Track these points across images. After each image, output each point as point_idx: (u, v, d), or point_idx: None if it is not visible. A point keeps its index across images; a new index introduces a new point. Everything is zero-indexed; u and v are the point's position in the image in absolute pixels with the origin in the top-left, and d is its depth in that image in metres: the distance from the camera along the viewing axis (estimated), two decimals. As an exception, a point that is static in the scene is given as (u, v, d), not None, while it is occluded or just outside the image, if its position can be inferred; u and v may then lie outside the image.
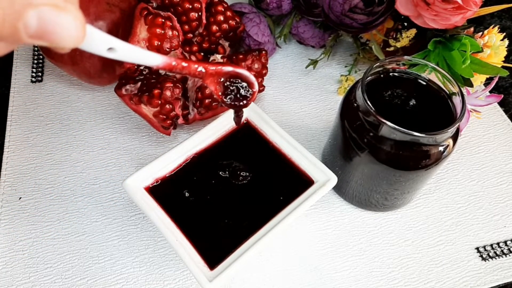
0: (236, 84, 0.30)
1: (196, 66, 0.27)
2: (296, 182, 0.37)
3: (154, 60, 0.25)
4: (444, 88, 0.38)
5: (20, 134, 0.48)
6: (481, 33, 0.46)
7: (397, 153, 0.35)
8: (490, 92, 0.51)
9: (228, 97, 0.30)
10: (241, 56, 0.47)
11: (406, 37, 0.46)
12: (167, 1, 0.45)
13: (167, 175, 0.38)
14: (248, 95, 0.30)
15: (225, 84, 0.29)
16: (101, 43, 0.21)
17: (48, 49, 0.18)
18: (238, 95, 0.30)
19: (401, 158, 0.35)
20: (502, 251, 0.42)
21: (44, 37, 0.17)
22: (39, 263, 0.40)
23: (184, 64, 0.27)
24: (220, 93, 0.29)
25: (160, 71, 0.46)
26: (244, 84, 0.30)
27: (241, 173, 0.38)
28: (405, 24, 0.47)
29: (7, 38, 0.17)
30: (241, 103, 0.30)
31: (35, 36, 0.17)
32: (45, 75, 0.54)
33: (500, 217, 0.44)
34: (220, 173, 0.38)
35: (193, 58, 0.47)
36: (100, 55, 0.21)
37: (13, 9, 0.16)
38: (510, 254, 0.42)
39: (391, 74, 0.39)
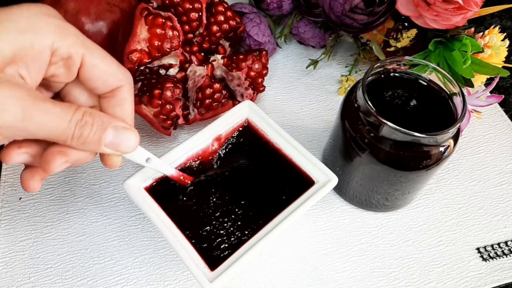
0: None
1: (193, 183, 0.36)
2: (297, 183, 0.37)
3: (172, 172, 0.35)
4: (444, 89, 0.38)
5: (20, 134, 0.48)
6: (481, 33, 0.46)
7: (398, 153, 0.35)
8: (491, 92, 0.51)
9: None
10: (241, 56, 0.47)
11: (406, 37, 0.46)
12: (167, 1, 0.45)
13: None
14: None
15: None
16: (143, 155, 0.31)
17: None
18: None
19: (401, 159, 0.35)
20: (502, 251, 0.42)
21: (113, 145, 0.26)
22: (39, 264, 0.40)
23: (187, 181, 0.36)
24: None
25: (161, 71, 0.46)
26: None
27: (242, 174, 0.38)
28: (406, 24, 0.47)
29: (92, 144, 0.25)
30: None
31: (109, 144, 0.25)
32: (45, 75, 0.54)
33: (500, 218, 0.44)
34: (221, 173, 0.38)
35: (194, 58, 0.47)
36: (140, 163, 0.31)
37: (102, 126, 0.25)
38: (511, 254, 0.42)
39: (391, 74, 0.39)
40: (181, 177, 0.36)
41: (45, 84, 0.26)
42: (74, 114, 0.24)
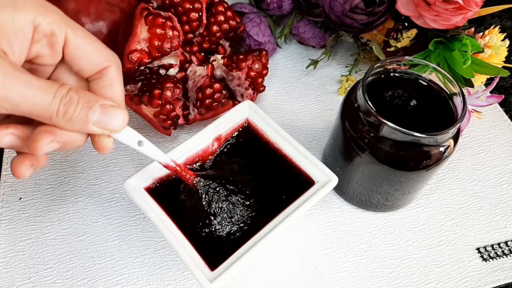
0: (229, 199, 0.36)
1: (191, 177, 0.35)
2: (297, 183, 0.37)
3: (166, 160, 0.33)
4: (445, 89, 0.38)
5: (20, 134, 0.48)
6: (481, 33, 0.46)
7: (398, 153, 0.35)
8: (491, 92, 0.51)
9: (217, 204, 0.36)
10: (241, 56, 0.47)
11: (406, 37, 0.46)
12: (167, 1, 0.45)
13: (167, 176, 0.38)
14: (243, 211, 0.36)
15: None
16: (134, 136, 0.29)
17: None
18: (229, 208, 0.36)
19: (402, 159, 0.35)
20: (502, 251, 0.42)
21: (101, 122, 0.25)
22: (39, 264, 0.40)
23: (183, 173, 0.34)
24: (193, 184, 0.35)
25: (161, 71, 0.46)
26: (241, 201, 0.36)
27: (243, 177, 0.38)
28: (406, 24, 0.47)
29: (79, 122, 0.24)
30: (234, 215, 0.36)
31: (96, 122, 0.25)
32: (45, 75, 0.54)
33: (500, 218, 0.44)
34: (221, 173, 0.38)
35: (194, 58, 0.47)
36: (132, 146, 0.30)
37: (88, 103, 0.24)
38: (511, 254, 0.42)
39: (392, 74, 0.39)
40: (178, 168, 0.34)
41: (32, 69, 0.26)
42: (59, 89, 0.23)
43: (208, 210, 0.36)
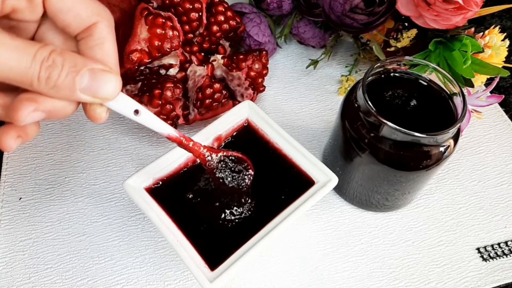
0: (233, 167, 0.34)
1: (197, 147, 0.32)
2: (297, 183, 0.37)
3: (167, 130, 0.29)
4: (445, 89, 0.38)
5: (20, 134, 0.48)
6: (482, 33, 0.46)
7: (398, 153, 0.35)
8: (491, 92, 0.51)
9: (222, 174, 0.34)
10: (241, 56, 0.47)
11: (406, 37, 0.46)
12: (167, 1, 0.45)
13: (167, 176, 0.38)
14: (246, 179, 0.35)
15: (221, 159, 0.34)
16: (130, 105, 0.26)
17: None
18: (233, 176, 0.34)
19: (402, 159, 0.35)
20: (503, 251, 0.42)
21: (90, 89, 0.22)
22: (39, 264, 0.40)
23: (191, 143, 0.31)
24: (212, 168, 0.33)
25: (161, 71, 0.46)
26: (245, 170, 0.34)
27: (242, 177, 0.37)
28: (406, 24, 0.47)
29: (65, 89, 0.22)
30: (234, 185, 0.34)
31: (84, 89, 0.22)
32: (45, 75, 0.54)
33: (500, 218, 0.44)
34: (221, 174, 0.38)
35: (194, 58, 0.47)
36: (128, 116, 0.26)
37: (75, 67, 0.22)
38: (511, 254, 0.42)
39: (392, 74, 0.39)
40: (182, 139, 0.31)
41: (12, 26, 0.24)
42: (39, 51, 0.21)
43: (208, 210, 0.36)
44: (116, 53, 0.25)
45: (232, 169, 0.34)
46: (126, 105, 0.26)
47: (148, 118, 0.28)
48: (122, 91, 0.25)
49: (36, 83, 0.21)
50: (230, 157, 0.34)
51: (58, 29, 0.24)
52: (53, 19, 0.23)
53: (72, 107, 0.23)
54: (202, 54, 0.49)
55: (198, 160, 0.39)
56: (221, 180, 0.34)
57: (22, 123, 0.22)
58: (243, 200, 0.37)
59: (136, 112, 0.27)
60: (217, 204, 0.36)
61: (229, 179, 0.34)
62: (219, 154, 0.33)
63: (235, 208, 0.36)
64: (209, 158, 0.33)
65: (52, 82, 0.21)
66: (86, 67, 0.22)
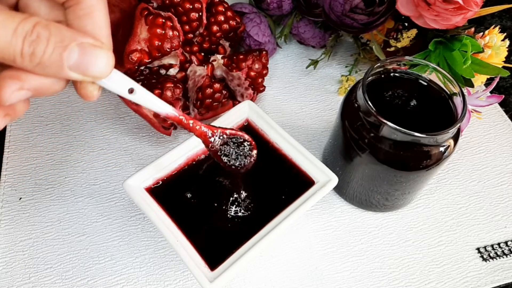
0: (235, 144, 0.32)
1: (198, 126, 0.30)
2: (297, 183, 0.37)
3: (165, 109, 0.27)
4: (445, 89, 0.38)
5: (20, 134, 0.48)
6: (481, 33, 0.46)
7: (398, 153, 0.35)
8: (491, 92, 0.51)
9: (226, 156, 0.32)
10: (241, 56, 0.47)
11: (406, 38, 0.46)
12: (167, 1, 0.45)
13: (167, 176, 0.38)
14: (247, 159, 0.33)
15: (225, 142, 0.32)
16: (124, 83, 0.24)
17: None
18: (236, 155, 0.33)
19: (402, 159, 0.35)
20: (503, 251, 0.42)
21: (80, 67, 0.20)
22: (39, 264, 0.40)
23: (191, 121, 0.29)
24: (216, 150, 0.31)
25: (161, 71, 0.46)
26: (246, 148, 0.32)
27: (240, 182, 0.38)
28: (406, 24, 0.47)
29: (51, 66, 0.20)
30: (237, 165, 0.33)
31: (73, 67, 0.20)
32: (45, 75, 0.54)
33: (500, 218, 0.44)
34: (221, 175, 0.38)
35: (194, 58, 0.47)
36: (122, 95, 0.24)
37: (62, 42, 0.19)
38: (511, 254, 0.42)
39: (392, 74, 0.39)
40: (181, 117, 0.28)
41: None
42: (21, 23, 0.19)
43: (208, 210, 0.36)
44: (108, 23, 0.22)
45: (235, 148, 0.32)
46: (120, 83, 0.24)
47: (145, 96, 0.26)
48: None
49: (19, 60, 0.19)
50: (232, 137, 0.32)
51: None
52: None
53: (61, 84, 0.22)
54: (202, 54, 0.49)
55: (197, 160, 0.39)
56: (226, 161, 0.32)
57: (7, 103, 0.20)
58: (243, 198, 0.37)
59: (131, 91, 0.25)
60: (217, 204, 0.36)
61: (233, 158, 0.32)
62: (222, 135, 0.31)
63: (235, 207, 0.36)
64: (212, 139, 0.31)
65: (37, 59, 0.19)
66: (74, 41, 0.20)
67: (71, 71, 0.20)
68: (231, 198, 0.37)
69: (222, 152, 0.32)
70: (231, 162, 0.32)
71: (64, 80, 0.21)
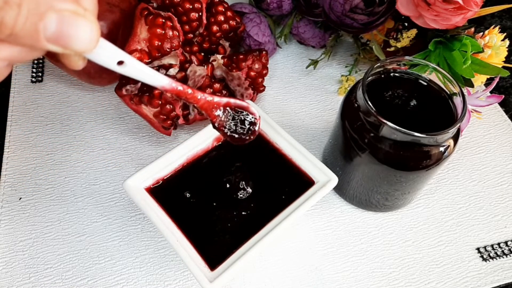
0: (238, 116, 0.30)
1: (201, 94, 0.27)
2: (297, 183, 0.37)
3: (161, 81, 0.25)
4: (444, 89, 0.38)
5: (20, 134, 0.48)
6: (481, 33, 0.46)
7: (398, 153, 0.35)
8: (491, 92, 0.51)
9: (230, 130, 0.30)
10: (241, 56, 0.47)
11: (406, 37, 0.46)
12: (167, 1, 0.45)
13: (167, 176, 0.38)
14: (249, 129, 0.30)
15: (229, 116, 0.30)
16: (111, 55, 0.21)
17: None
18: (240, 128, 0.31)
19: (401, 159, 0.35)
20: (502, 251, 0.42)
21: (59, 39, 0.18)
22: (39, 264, 0.40)
23: (189, 90, 0.26)
24: (221, 124, 0.30)
25: (161, 71, 0.46)
26: (248, 118, 0.30)
27: (241, 182, 0.37)
28: (406, 24, 0.47)
29: (25, 37, 0.17)
30: (243, 137, 0.30)
31: (51, 39, 0.17)
32: (45, 75, 0.54)
33: (500, 218, 0.44)
34: (221, 176, 0.38)
35: (194, 58, 0.47)
36: (110, 68, 0.22)
37: (37, 10, 0.17)
38: (511, 254, 0.42)
39: (391, 74, 0.39)
40: (180, 88, 0.26)
41: None
42: None
43: (208, 210, 0.36)
44: None
45: (239, 121, 0.30)
46: (107, 54, 0.21)
47: (137, 67, 0.23)
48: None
49: None
50: (236, 109, 0.30)
51: None
52: None
53: (40, 52, 0.19)
54: (202, 54, 0.49)
55: (197, 160, 0.39)
56: (230, 134, 0.30)
57: None
58: (243, 198, 0.37)
59: (121, 63, 0.22)
60: (217, 203, 0.36)
61: (238, 130, 0.30)
62: (226, 109, 0.29)
63: (235, 207, 0.36)
64: (217, 113, 0.29)
65: (7, 30, 0.17)
66: (51, 9, 0.17)
67: (49, 43, 0.18)
68: (231, 198, 0.37)
69: (227, 126, 0.30)
70: (235, 134, 0.30)
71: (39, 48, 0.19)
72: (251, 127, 0.30)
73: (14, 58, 0.19)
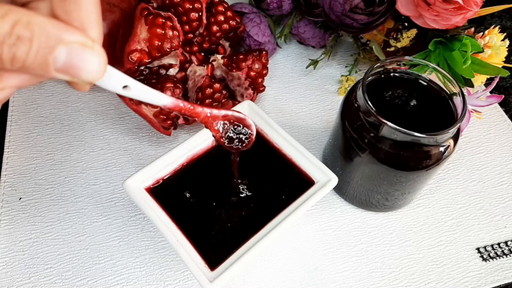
0: (237, 129, 0.32)
1: (201, 109, 0.29)
2: (297, 183, 0.37)
3: (164, 100, 0.26)
4: (444, 89, 0.38)
5: (20, 134, 0.48)
6: (481, 33, 0.46)
7: (398, 153, 0.35)
8: (491, 92, 0.51)
9: (228, 140, 0.32)
10: (241, 56, 0.47)
11: (406, 37, 0.46)
12: (167, 1, 0.45)
13: (167, 176, 0.38)
14: (246, 139, 0.32)
15: (227, 128, 0.31)
16: (117, 80, 0.22)
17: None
18: (238, 139, 0.32)
19: (401, 159, 0.35)
20: (502, 251, 0.42)
21: (69, 71, 0.18)
22: (39, 264, 0.40)
23: (191, 107, 0.28)
24: (220, 136, 0.31)
25: (161, 71, 0.46)
26: (245, 130, 0.32)
27: (241, 182, 0.37)
28: (406, 24, 0.47)
29: (36, 69, 0.18)
30: (239, 146, 0.32)
31: (61, 70, 0.18)
32: (45, 75, 0.54)
33: (500, 218, 0.44)
34: (221, 176, 0.38)
35: (194, 58, 0.47)
36: (116, 92, 0.23)
37: (47, 43, 0.17)
38: (511, 254, 0.42)
39: (391, 74, 0.39)
40: (181, 105, 0.27)
41: None
42: None
43: (208, 210, 0.36)
44: (98, 10, 0.20)
45: (237, 133, 0.32)
46: (113, 80, 0.22)
47: (140, 90, 0.24)
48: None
49: None
50: (233, 122, 0.31)
51: None
52: None
53: (46, 78, 0.20)
54: (202, 54, 0.49)
55: (197, 160, 0.39)
56: (228, 145, 0.32)
57: None
58: (243, 198, 0.37)
59: (125, 87, 0.23)
60: (217, 203, 0.36)
61: (235, 142, 0.32)
62: (223, 122, 0.31)
63: (235, 207, 0.36)
64: (217, 127, 0.30)
65: (18, 63, 0.17)
66: (61, 42, 0.18)
67: (58, 73, 0.18)
68: (231, 198, 0.37)
69: (225, 138, 0.31)
70: (233, 145, 0.32)
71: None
72: (247, 137, 0.32)
73: (22, 85, 0.19)
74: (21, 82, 0.19)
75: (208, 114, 0.29)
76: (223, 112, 0.30)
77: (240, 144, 0.32)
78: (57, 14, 0.19)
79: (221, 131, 0.30)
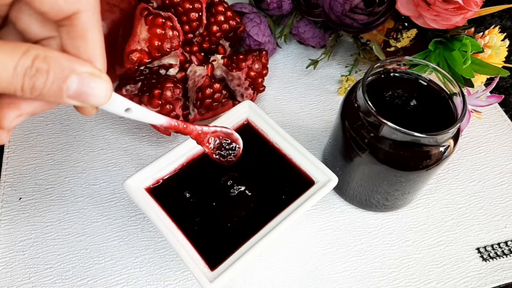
0: (226, 144, 0.34)
1: (193, 126, 0.31)
2: (297, 183, 0.37)
3: (161, 120, 0.29)
4: (444, 89, 0.38)
5: (20, 134, 0.48)
6: (481, 33, 0.46)
7: (398, 153, 0.35)
8: (491, 92, 0.51)
9: (220, 155, 0.34)
10: (241, 56, 0.47)
11: (406, 37, 0.46)
12: (167, 1, 0.45)
13: (167, 176, 0.38)
14: (234, 152, 0.34)
15: (218, 144, 0.34)
16: (120, 104, 0.25)
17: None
18: (227, 154, 0.34)
19: (401, 159, 0.35)
20: (502, 251, 0.42)
21: (79, 97, 0.21)
22: (39, 264, 0.40)
23: (184, 125, 0.30)
24: (212, 152, 0.34)
25: (161, 71, 0.46)
26: (232, 144, 0.34)
27: (241, 182, 0.38)
28: (406, 24, 0.47)
29: (51, 96, 0.20)
30: (229, 159, 0.34)
31: (72, 96, 0.21)
32: (45, 75, 0.54)
33: (500, 218, 0.44)
34: (221, 176, 0.38)
35: (194, 58, 0.47)
36: (118, 114, 0.25)
37: (61, 74, 0.20)
38: (511, 254, 0.42)
39: (391, 74, 0.39)
40: (176, 124, 0.30)
41: None
42: (21, 59, 0.19)
43: (208, 210, 0.36)
44: (102, 45, 0.22)
45: (225, 146, 0.34)
46: (116, 104, 0.25)
47: (140, 112, 0.27)
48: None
49: (19, 93, 0.20)
50: (223, 139, 0.34)
51: (36, 13, 0.22)
52: (28, 5, 0.21)
53: (54, 104, 0.23)
54: (202, 54, 0.49)
55: (197, 160, 0.39)
56: (220, 158, 0.34)
57: (7, 129, 0.22)
58: (243, 198, 0.37)
59: (127, 109, 0.26)
60: (217, 203, 0.36)
61: (225, 156, 0.34)
62: (215, 139, 0.33)
63: (235, 207, 0.36)
64: (207, 143, 0.33)
65: (37, 92, 0.20)
66: (73, 72, 0.20)
67: (70, 99, 0.21)
68: (231, 198, 0.37)
69: (216, 153, 0.34)
70: (223, 158, 0.34)
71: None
72: (234, 152, 0.34)
73: (36, 112, 0.22)
74: (35, 109, 0.22)
75: (199, 131, 0.32)
76: (212, 128, 0.32)
77: (228, 157, 0.34)
78: (66, 49, 0.22)
79: (212, 147, 0.33)
